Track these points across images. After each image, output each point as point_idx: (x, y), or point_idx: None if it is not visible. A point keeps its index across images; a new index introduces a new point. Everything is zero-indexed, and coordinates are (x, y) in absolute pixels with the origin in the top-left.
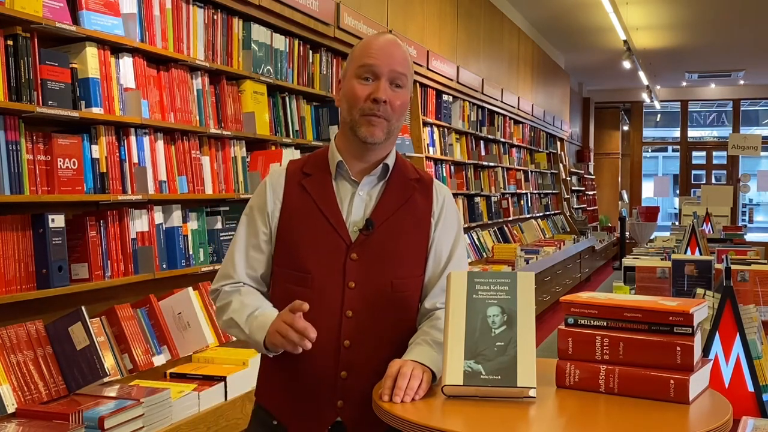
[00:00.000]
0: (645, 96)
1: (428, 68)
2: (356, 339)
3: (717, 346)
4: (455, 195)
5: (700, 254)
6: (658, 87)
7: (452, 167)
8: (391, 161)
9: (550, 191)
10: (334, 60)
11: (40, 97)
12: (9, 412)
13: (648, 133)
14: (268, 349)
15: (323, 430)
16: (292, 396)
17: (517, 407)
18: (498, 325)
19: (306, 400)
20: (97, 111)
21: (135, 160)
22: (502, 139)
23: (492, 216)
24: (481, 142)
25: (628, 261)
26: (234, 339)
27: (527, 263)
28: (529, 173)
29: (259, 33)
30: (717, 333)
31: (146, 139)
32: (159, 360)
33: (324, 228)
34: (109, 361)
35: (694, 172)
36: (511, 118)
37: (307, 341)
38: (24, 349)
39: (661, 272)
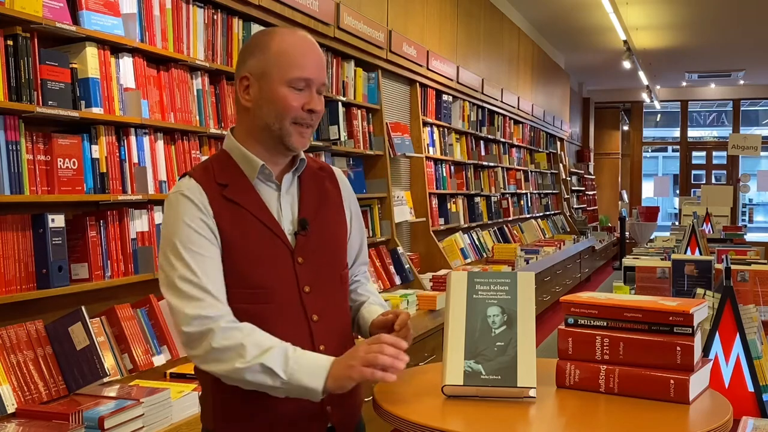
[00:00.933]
0: (645, 96)
1: (428, 68)
2: (329, 341)
3: (717, 346)
4: (455, 195)
5: (700, 254)
6: (658, 87)
7: (452, 167)
8: (302, 154)
9: (550, 191)
10: (334, 60)
11: (40, 97)
12: (9, 412)
13: (648, 133)
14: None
15: None
16: (275, 416)
17: (517, 407)
18: (498, 325)
19: (293, 417)
20: (97, 111)
21: (135, 160)
22: (502, 139)
23: (492, 216)
24: (481, 142)
25: (628, 261)
26: None
27: (527, 263)
28: (529, 173)
29: None
30: (717, 333)
31: (146, 139)
32: (159, 360)
33: (266, 237)
34: (109, 361)
35: (694, 172)
36: (511, 118)
37: (400, 362)
38: (24, 349)
39: (661, 272)
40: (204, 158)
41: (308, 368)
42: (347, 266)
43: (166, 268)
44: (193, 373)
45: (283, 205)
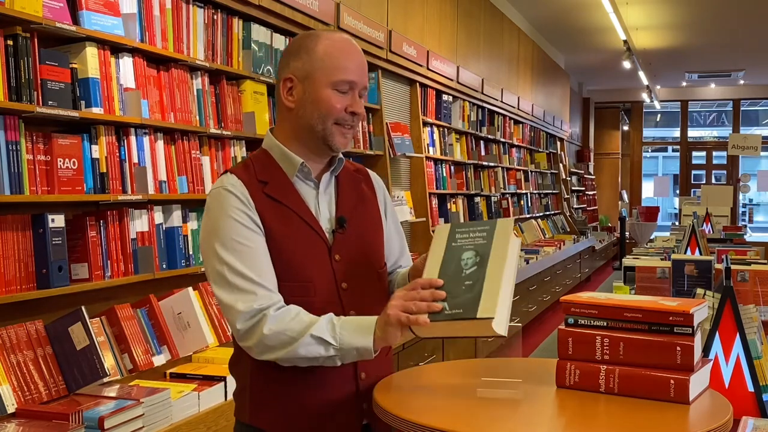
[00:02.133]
0: (645, 96)
1: (428, 68)
2: None
3: (717, 346)
4: (455, 195)
5: (700, 254)
6: (658, 87)
7: (452, 167)
8: (340, 154)
9: (550, 191)
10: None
11: (40, 97)
12: (9, 412)
13: (648, 133)
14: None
15: None
16: (312, 412)
17: (517, 407)
18: (470, 267)
19: (329, 412)
20: (97, 111)
21: (135, 160)
22: (502, 139)
23: (492, 216)
24: (481, 142)
25: (628, 261)
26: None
27: (527, 263)
28: (529, 173)
29: (259, 33)
30: (717, 333)
31: (146, 139)
32: (159, 360)
33: (305, 234)
34: (109, 361)
35: (694, 172)
36: (511, 118)
37: (436, 304)
38: (24, 349)
39: (661, 272)
40: (204, 158)
41: (356, 329)
42: (384, 265)
43: (215, 263)
44: (192, 373)
45: (321, 203)
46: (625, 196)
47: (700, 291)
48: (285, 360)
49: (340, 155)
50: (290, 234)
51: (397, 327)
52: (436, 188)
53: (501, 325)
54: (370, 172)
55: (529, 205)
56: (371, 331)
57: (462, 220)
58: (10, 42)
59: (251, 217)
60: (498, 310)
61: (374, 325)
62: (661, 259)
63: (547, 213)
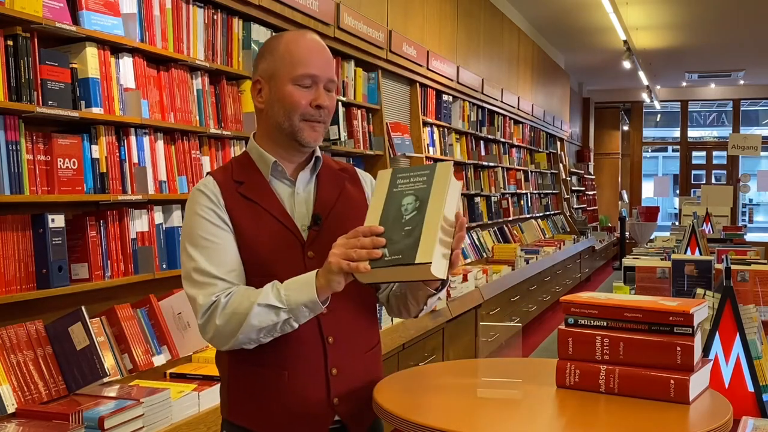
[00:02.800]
0: (645, 96)
1: (428, 68)
2: (338, 334)
3: (717, 346)
4: None
5: (700, 254)
6: (658, 87)
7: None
8: (318, 152)
9: (550, 191)
10: (334, 60)
11: (40, 97)
12: (9, 412)
13: (648, 133)
14: (322, 302)
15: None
16: (282, 407)
17: (518, 407)
18: (410, 212)
19: (300, 407)
20: (97, 111)
21: (135, 160)
22: (502, 139)
23: (492, 216)
24: (481, 142)
25: (628, 261)
26: None
27: (527, 263)
28: (529, 173)
29: (259, 33)
30: (717, 333)
31: (146, 139)
32: (159, 360)
33: (279, 231)
34: (109, 361)
35: (694, 172)
36: (511, 118)
37: (376, 251)
38: (24, 349)
39: (661, 272)
40: (204, 158)
41: (299, 286)
42: None
43: (185, 260)
44: (192, 373)
45: (297, 201)
46: (625, 196)
47: (700, 291)
48: (246, 341)
49: (318, 153)
50: (261, 232)
51: (339, 274)
52: None
53: (439, 269)
54: (358, 170)
55: (529, 205)
56: (313, 284)
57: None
58: (10, 42)
59: (219, 215)
60: (434, 254)
61: (314, 277)
62: (661, 259)
63: (547, 213)
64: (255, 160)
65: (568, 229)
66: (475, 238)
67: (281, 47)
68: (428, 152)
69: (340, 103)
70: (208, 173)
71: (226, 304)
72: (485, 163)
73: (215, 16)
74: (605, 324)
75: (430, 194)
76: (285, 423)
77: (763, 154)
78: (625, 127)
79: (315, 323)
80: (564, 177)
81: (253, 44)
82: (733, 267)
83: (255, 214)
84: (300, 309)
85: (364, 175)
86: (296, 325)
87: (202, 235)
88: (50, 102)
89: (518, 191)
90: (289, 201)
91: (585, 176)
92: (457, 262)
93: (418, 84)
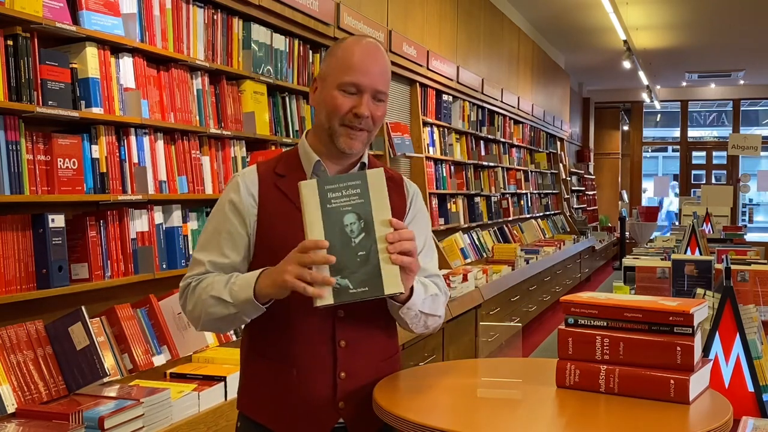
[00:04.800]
0: (645, 96)
1: (428, 68)
2: (351, 338)
3: (717, 346)
4: (455, 195)
5: (700, 254)
6: (658, 87)
7: (452, 167)
8: (366, 159)
9: (550, 191)
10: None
11: (40, 97)
12: (9, 412)
13: (648, 133)
14: (263, 303)
15: None
16: (288, 404)
17: (518, 407)
18: (357, 234)
19: (305, 406)
20: (97, 111)
21: (135, 160)
22: (502, 139)
23: (492, 216)
24: (481, 142)
25: (628, 261)
26: (234, 339)
27: (527, 263)
28: (529, 173)
29: (259, 33)
30: (717, 333)
31: (146, 139)
32: (159, 360)
33: (302, 229)
34: (109, 361)
35: (694, 172)
36: (511, 118)
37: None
38: (24, 349)
39: (661, 272)
40: (204, 158)
41: (243, 284)
42: None
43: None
44: (192, 373)
45: None
46: (625, 196)
47: (700, 291)
48: (214, 327)
49: (365, 160)
50: (286, 228)
51: (289, 291)
52: (436, 188)
53: (400, 286)
54: (406, 181)
55: (529, 205)
56: (252, 284)
57: (462, 220)
58: (10, 42)
59: (241, 209)
60: (400, 280)
61: (256, 277)
62: (661, 259)
63: (547, 213)
64: (301, 156)
65: (568, 229)
66: (475, 238)
67: (339, 51)
68: (428, 152)
69: None
70: (257, 164)
71: (195, 289)
72: (485, 163)
73: (215, 16)
74: (605, 324)
75: (371, 211)
76: (289, 418)
77: (763, 154)
78: (625, 127)
79: (329, 325)
80: (564, 177)
81: (253, 44)
82: (733, 267)
83: (286, 210)
84: (245, 306)
85: (409, 185)
86: (247, 320)
87: (214, 223)
88: (50, 102)
89: (518, 191)
90: None
91: (585, 176)
92: (412, 266)
93: (418, 84)
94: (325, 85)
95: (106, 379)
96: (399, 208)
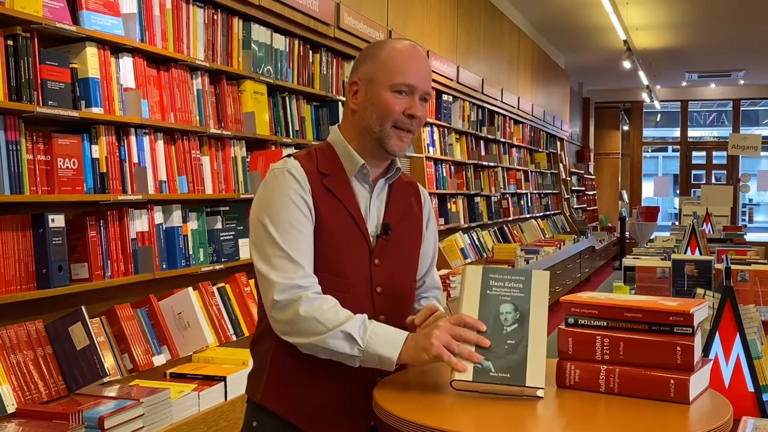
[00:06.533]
0: (645, 96)
1: None
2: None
3: (717, 346)
4: (455, 195)
5: (700, 254)
6: (658, 87)
7: (452, 167)
8: (398, 163)
9: (550, 191)
10: (334, 60)
11: (40, 97)
12: (9, 412)
13: (648, 133)
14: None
15: None
16: (323, 402)
17: (518, 407)
18: (510, 323)
19: (340, 406)
20: (97, 111)
21: (135, 160)
22: (502, 139)
23: (492, 216)
24: (481, 142)
25: (628, 261)
26: (234, 339)
27: (527, 263)
28: (529, 173)
29: (259, 33)
30: (717, 333)
31: (146, 139)
32: (159, 360)
33: (353, 232)
34: (109, 361)
35: (694, 172)
36: (511, 118)
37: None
38: (24, 349)
39: (661, 272)
40: (204, 158)
41: (385, 338)
42: (416, 280)
43: (263, 237)
44: (192, 373)
45: (372, 206)
46: (625, 196)
47: (700, 291)
48: (306, 347)
49: (398, 164)
50: (338, 228)
51: (431, 358)
52: (436, 188)
53: (542, 382)
54: (420, 187)
55: (529, 205)
56: (399, 346)
57: (462, 220)
58: (10, 42)
59: (306, 203)
60: (544, 377)
61: (404, 340)
62: (661, 259)
63: (547, 213)
64: (340, 155)
65: (568, 229)
66: (475, 238)
67: (384, 53)
68: (428, 152)
69: (340, 103)
70: (291, 156)
71: (314, 305)
72: (485, 163)
73: (215, 16)
74: (605, 324)
75: (530, 307)
76: (321, 418)
77: (763, 154)
78: (625, 127)
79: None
80: (564, 177)
81: (253, 44)
82: (733, 267)
83: (335, 210)
84: (373, 357)
85: (424, 194)
86: (358, 365)
87: (289, 220)
88: (50, 102)
89: (518, 191)
90: (365, 205)
91: (585, 176)
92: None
93: None
94: (372, 88)
95: (106, 379)
96: (418, 215)
